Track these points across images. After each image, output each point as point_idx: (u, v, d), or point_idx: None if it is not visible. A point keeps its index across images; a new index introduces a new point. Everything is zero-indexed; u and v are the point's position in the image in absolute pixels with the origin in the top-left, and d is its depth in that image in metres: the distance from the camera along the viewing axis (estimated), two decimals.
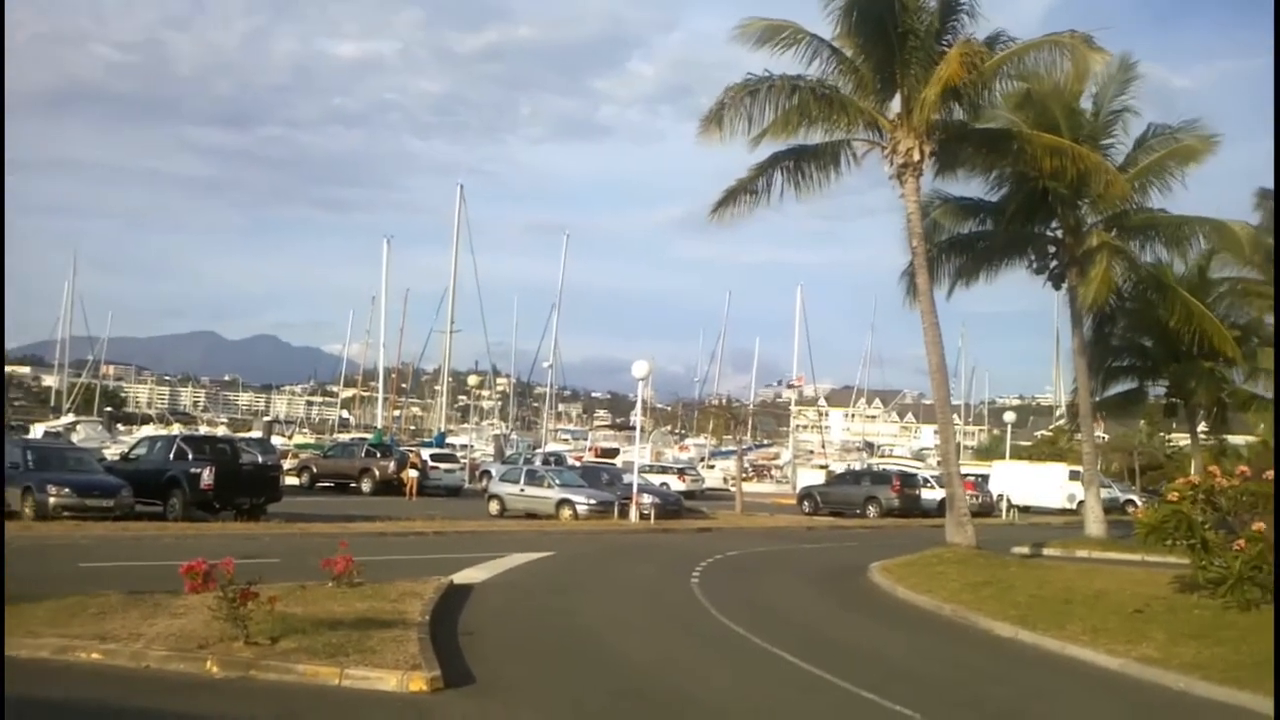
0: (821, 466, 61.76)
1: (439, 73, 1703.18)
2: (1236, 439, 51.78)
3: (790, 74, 24.24)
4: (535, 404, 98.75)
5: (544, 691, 10.43)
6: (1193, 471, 35.83)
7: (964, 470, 29.03)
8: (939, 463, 68.36)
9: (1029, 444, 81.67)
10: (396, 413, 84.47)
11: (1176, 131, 30.05)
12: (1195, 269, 35.24)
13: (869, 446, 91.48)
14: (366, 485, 41.89)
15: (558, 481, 34.61)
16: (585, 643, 13.04)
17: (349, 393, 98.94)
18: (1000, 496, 47.62)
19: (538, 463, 44.45)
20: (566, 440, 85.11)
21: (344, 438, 63.26)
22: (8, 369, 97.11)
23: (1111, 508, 40.06)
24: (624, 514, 32.67)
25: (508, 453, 61.59)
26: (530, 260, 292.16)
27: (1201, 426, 39.93)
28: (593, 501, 33.13)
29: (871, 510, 42.21)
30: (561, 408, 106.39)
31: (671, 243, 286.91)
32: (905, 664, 12.75)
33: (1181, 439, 60.00)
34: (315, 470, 44.37)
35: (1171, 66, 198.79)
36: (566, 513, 32.45)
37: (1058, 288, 31.76)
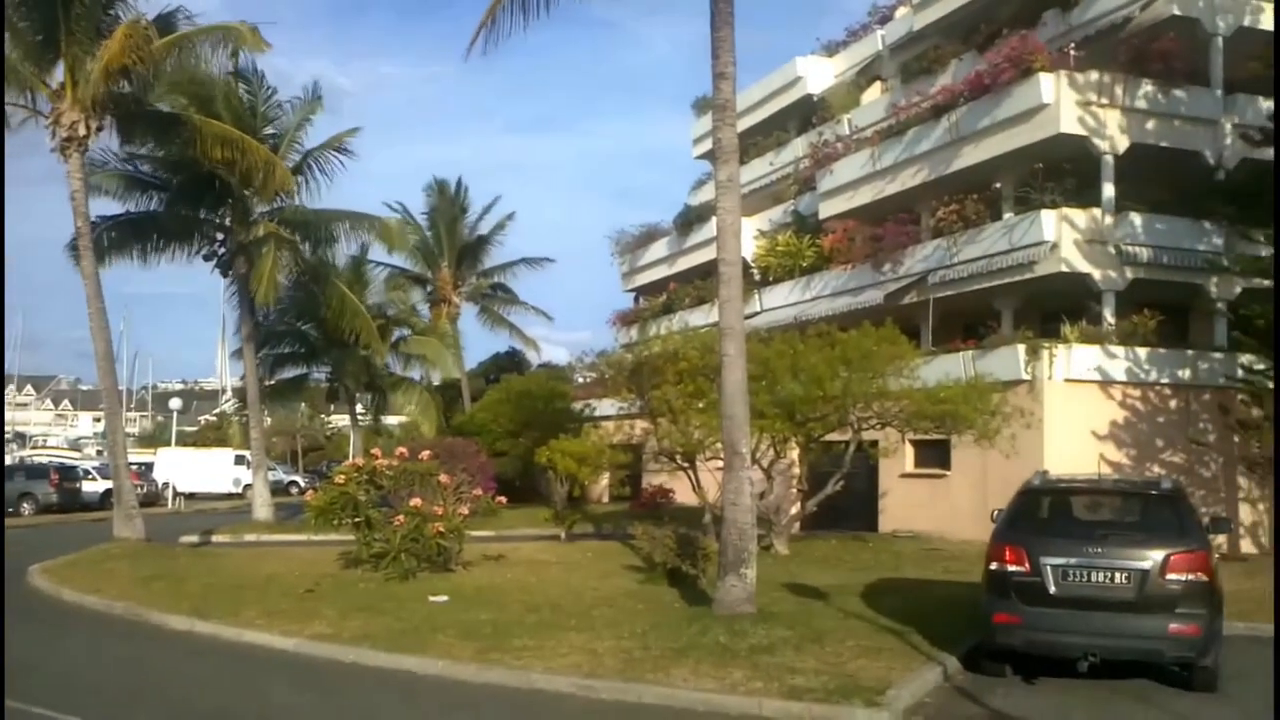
0: None
1: None
2: (390, 419, 56.26)
3: None
4: None
5: None
6: (352, 451, 38.36)
7: (130, 459, 28.00)
8: (99, 453, 64.77)
9: (194, 429, 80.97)
10: None
11: (306, 105, 31.53)
12: (353, 263, 37.71)
13: (20, 438, 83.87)
14: None
15: None
16: None
17: None
18: (166, 484, 46.62)
19: None
20: None
21: None
22: None
23: (277, 490, 41.33)
24: None
25: None
26: None
27: (359, 408, 42.75)
28: None
29: (27, 507, 38.80)
30: None
31: None
32: (81, 671, 12.08)
33: (341, 420, 63.73)
34: None
35: (336, 64, 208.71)
36: None
37: (225, 274, 31.95)
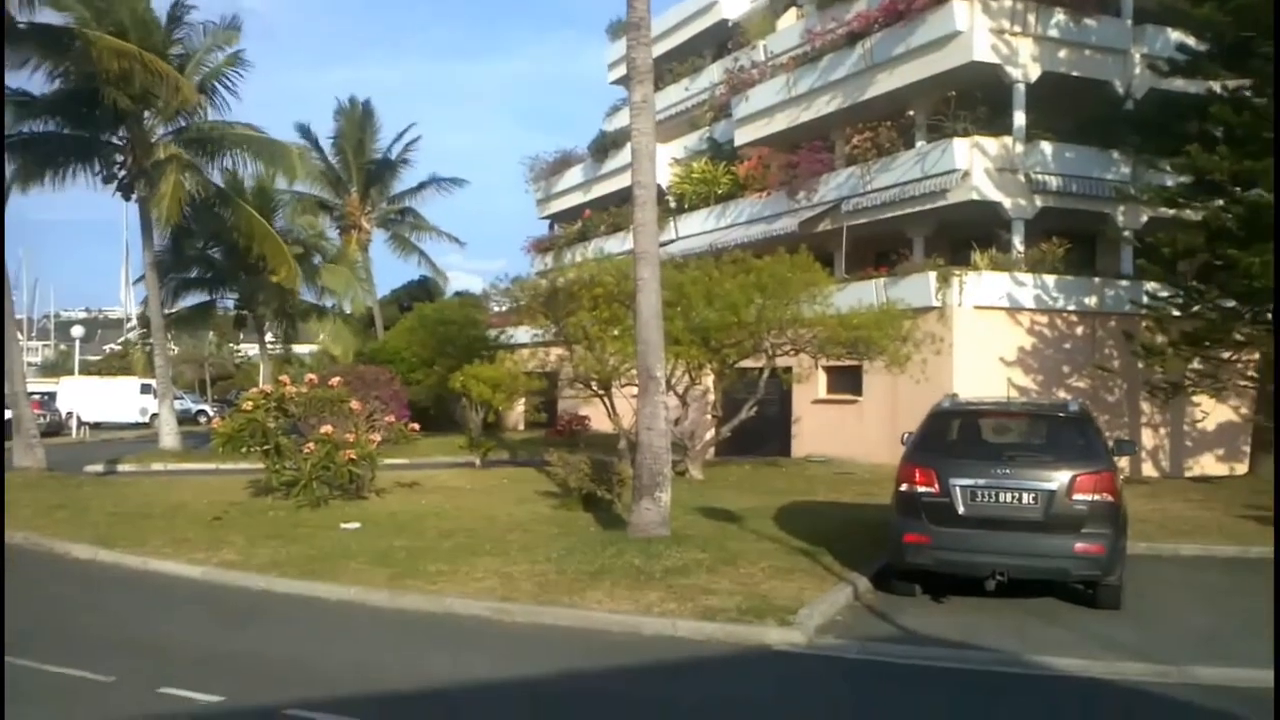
0: None
1: None
2: (301, 348, 55.38)
3: None
4: None
5: None
6: (262, 380, 37.65)
7: (30, 389, 27.18)
8: None
9: (99, 358, 78.98)
10: None
11: (221, 33, 30.43)
12: (259, 186, 36.60)
13: None
14: None
15: None
16: None
17: None
18: (70, 414, 45.48)
19: None
20: None
21: None
22: None
23: (185, 419, 40.56)
24: None
25: None
26: None
27: (270, 336, 41.94)
28: None
29: None
30: None
31: None
32: None
33: (251, 348, 62.56)
34: None
35: None
36: None
37: (127, 198, 30.85)
